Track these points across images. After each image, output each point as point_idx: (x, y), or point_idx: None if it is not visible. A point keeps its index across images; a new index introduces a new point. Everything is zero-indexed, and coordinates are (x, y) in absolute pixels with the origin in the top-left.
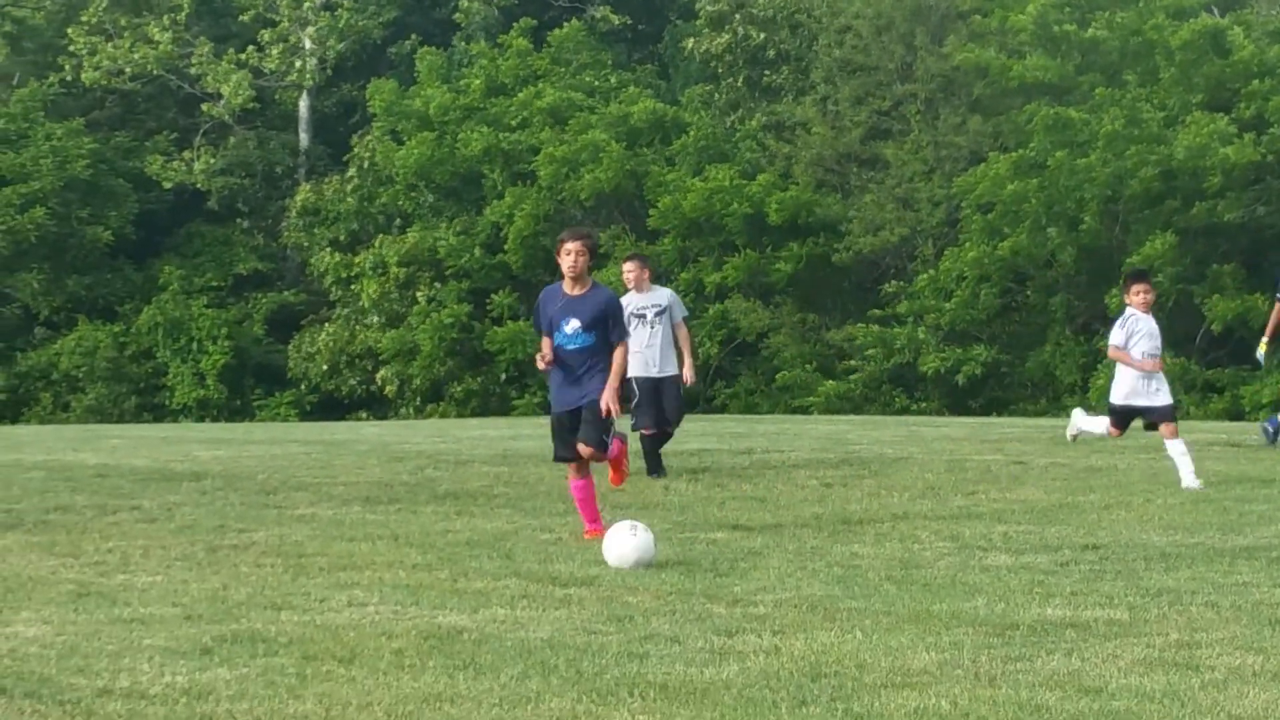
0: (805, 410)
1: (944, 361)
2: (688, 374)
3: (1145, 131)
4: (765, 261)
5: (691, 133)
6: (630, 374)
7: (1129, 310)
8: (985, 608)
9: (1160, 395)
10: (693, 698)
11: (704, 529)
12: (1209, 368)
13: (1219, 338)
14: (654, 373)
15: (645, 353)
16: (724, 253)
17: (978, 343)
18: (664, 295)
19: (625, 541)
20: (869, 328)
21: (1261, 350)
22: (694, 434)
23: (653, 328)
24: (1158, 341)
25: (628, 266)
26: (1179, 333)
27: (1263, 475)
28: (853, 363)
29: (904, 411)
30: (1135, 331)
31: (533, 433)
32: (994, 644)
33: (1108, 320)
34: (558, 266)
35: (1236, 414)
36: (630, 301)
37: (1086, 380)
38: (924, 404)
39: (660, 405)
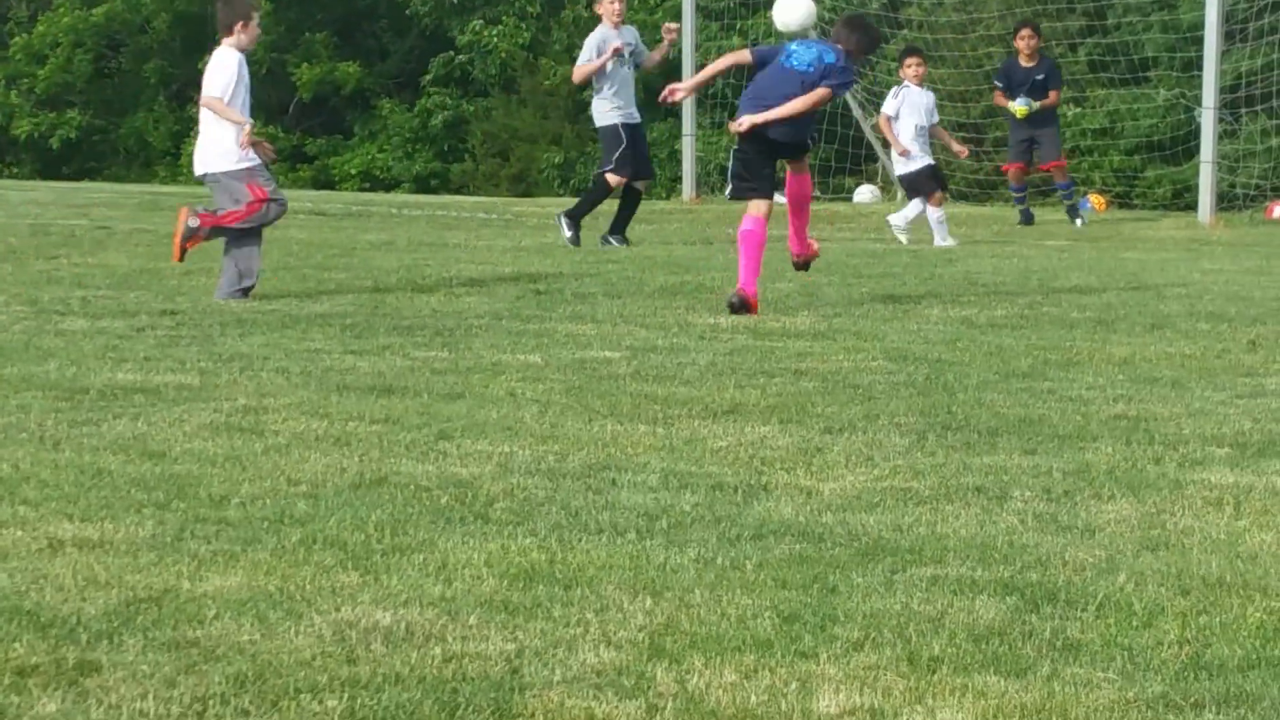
0: None
1: (37, 126)
2: None
3: None
4: None
5: None
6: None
7: (904, 84)
8: (56, 372)
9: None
10: None
11: None
12: (301, 135)
13: (310, 106)
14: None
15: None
16: None
17: (71, 108)
18: (633, 33)
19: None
20: None
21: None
22: None
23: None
24: (924, 116)
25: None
26: (272, 102)
27: (344, 244)
28: None
29: None
30: (907, 102)
31: None
32: (62, 408)
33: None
34: None
35: (326, 183)
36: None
37: (179, 147)
38: (16, 169)
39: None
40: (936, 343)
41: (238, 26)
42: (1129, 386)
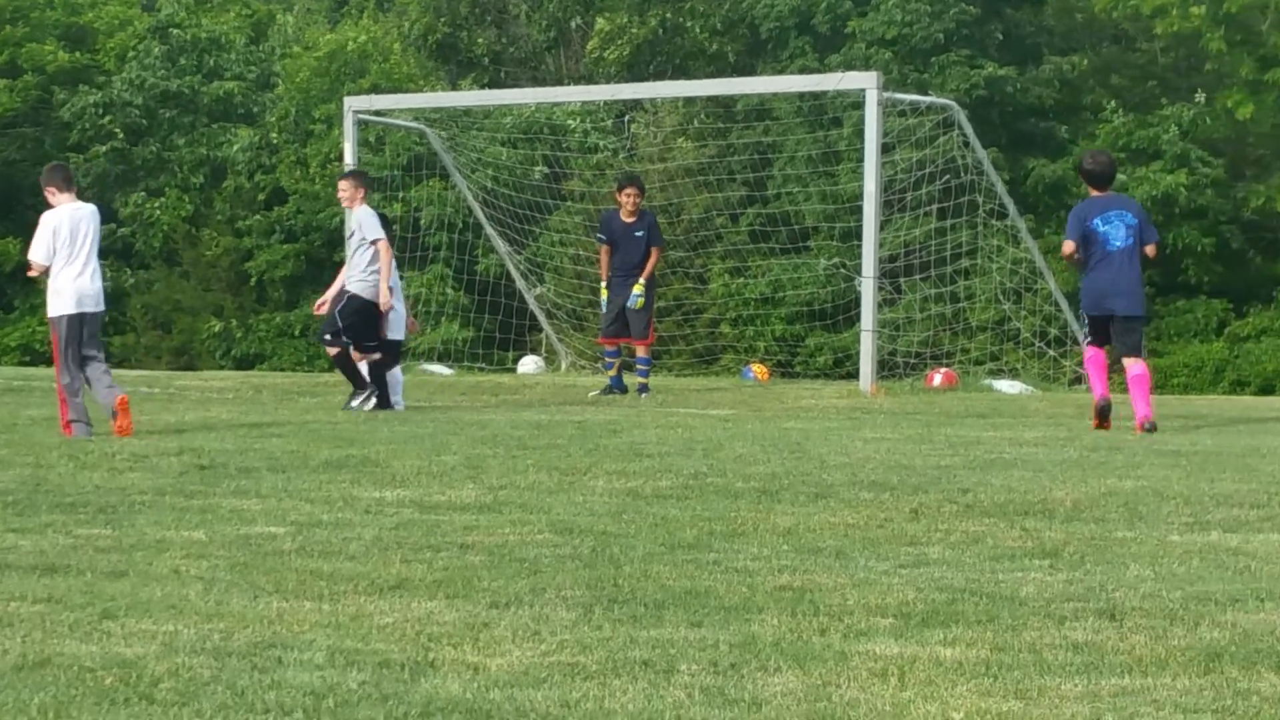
0: None
1: None
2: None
3: None
4: None
5: None
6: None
7: None
8: None
9: None
10: None
11: None
12: None
13: None
14: None
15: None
16: None
17: None
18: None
19: None
20: None
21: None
22: None
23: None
24: None
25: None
26: None
27: (4, 419)
28: None
29: None
30: None
31: None
32: None
33: None
34: None
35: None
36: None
37: None
38: None
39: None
40: (602, 514)
41: None
42: (794, 557)
